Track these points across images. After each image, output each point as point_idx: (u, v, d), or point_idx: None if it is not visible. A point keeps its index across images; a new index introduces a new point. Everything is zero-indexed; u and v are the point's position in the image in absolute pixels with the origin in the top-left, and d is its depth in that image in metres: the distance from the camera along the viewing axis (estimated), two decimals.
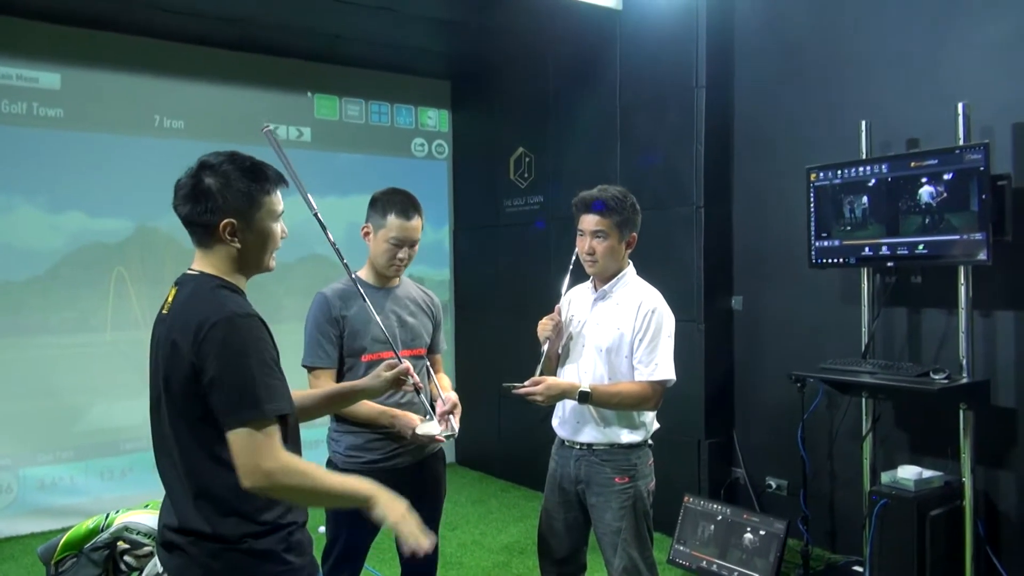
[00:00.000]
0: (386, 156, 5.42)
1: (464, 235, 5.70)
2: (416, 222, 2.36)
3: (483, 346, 5.48)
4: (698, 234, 3.94)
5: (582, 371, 2.41)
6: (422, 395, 2.24)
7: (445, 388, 2.44)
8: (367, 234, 2.38)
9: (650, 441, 2.45)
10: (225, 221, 1.55)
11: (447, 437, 2.29)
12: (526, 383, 2.32)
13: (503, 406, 5.30)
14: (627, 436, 2.37)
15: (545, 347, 2.43)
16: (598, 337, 2.40)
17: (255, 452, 1.44)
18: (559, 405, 2.49)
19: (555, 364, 2.55)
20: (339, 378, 2.35)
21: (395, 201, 2.35)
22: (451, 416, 2.33)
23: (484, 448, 5.46)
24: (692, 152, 3.95)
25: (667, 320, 2.37)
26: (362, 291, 2.17)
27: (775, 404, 3.85)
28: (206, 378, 1.46)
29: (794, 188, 3.68)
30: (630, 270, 2.46)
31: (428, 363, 2.48)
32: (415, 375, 2.12)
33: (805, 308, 3.76)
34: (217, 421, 1.48)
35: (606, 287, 2.43)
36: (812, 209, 3.44)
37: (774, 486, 3.88)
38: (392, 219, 2.33)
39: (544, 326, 2.45)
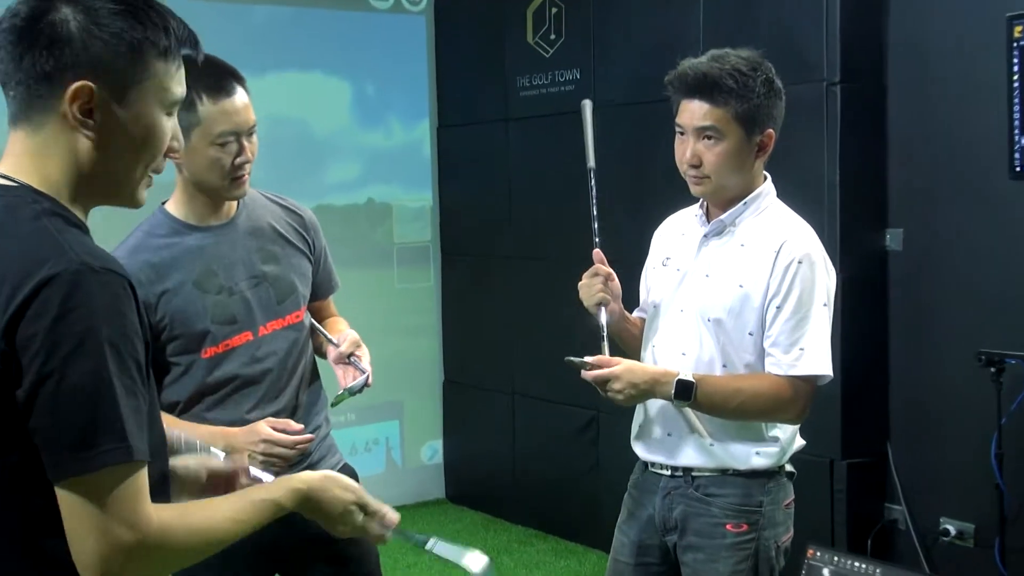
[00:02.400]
0: (328, 9, 5.38)
1: (454, 136, 5.68)
2: (243, 95, 2.31)
3: (486, 315, 5.50)
4: (831, 128, 3.90)
5: (675, 353, 2.40)
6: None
7: (341, 330, 2.48)
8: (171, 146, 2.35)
9: (788, 467, 2.45)
10: (79, 85, 1.38)
11: (357, 390, 2.33)
12: (592, 360, 2.32)
13: (520, 411, 5.33)
14: (749, 457, 2.37)
15: (603, 320, 2.42)
16: (706, 298, 2.37)
17: (106, 519, 1.30)
18: (639, 408, 2.49)
19: (631, 346, 2.56)
20: (158, 391, 2.35)
21: (198, 76, 2.23)
22: (355, 358, 2.37)
23: (491, 477, 5.51)
24: None
25: (822, 277, 2.33)
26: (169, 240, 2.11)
27: (955, 401, 3.85)
28: (25, 384, 1.29)
29: (986, 51, 3.61)
30: (766, 190, 2.43)
31: (314, 322, 2.50)
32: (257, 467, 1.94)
33: (1004, 246, 3.73)
34: (42, 467, 1.30)
35: (724, 216, 2.40)
36: (1016, 85, 3.39)
37: (953, 532, 3.90)
38: (207, 105, 2.25)
39: (590, 288, 2.44)
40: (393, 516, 1.67)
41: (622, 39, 4.69)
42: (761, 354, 2.34)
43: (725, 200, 2.39)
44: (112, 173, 1.44)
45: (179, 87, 1.47)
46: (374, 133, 5.58)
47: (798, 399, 2.31)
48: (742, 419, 2.34)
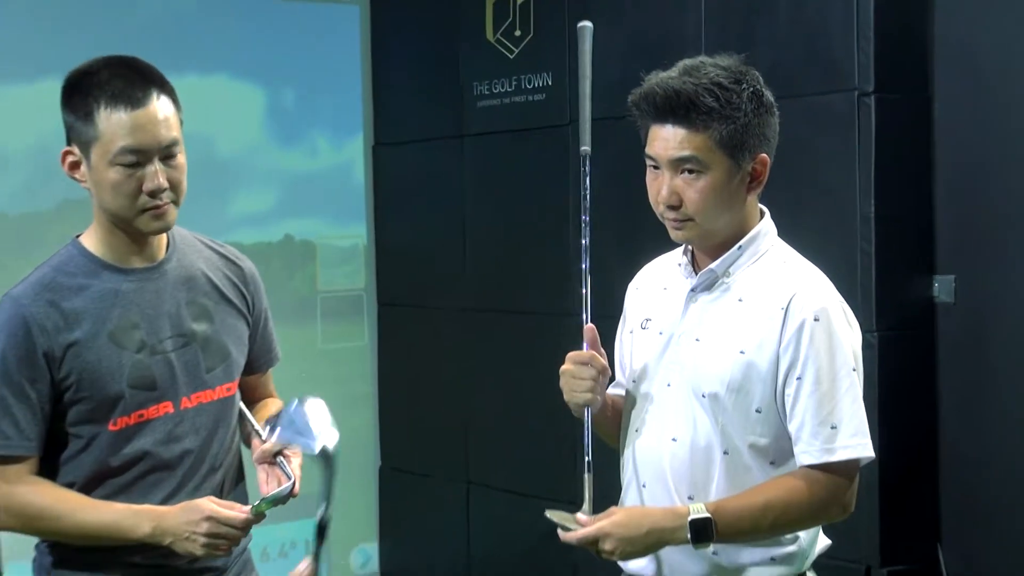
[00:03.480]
0: None
1: (395, 156, 5.69)
2: (160, 105, 2.34)
3: (435, 383, 5.50)
4: (865, 149, 3.92)
5: (663, 439, 2.41)
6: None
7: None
8: (76, 164, 2.36)
9: (809, 574, 2.46)
10: None
11: (279, 500, 2.35)
12: (580, 520, 2.32)
13: (478, 505, 5.31)
14: (762, 565, 2.38)
15: (587, 419, 2.42)
16: (699, 369, 2.38)
17: None
18: (621, 503, 2.51)
19: (610, 433, 2.58)
20: (50, 468, 2.37)
21: (104, 81, 2.32)
22: (282, 459, 2.40)
23: None
24: None
25: (846, 335, 2.35)
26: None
27: (1023, 491, 3.89)
28: None
29: None
30: (764, 229, 2.45)
31: (242, 405, 2.55)
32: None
33: None
34: None
35: (715, 264, 2.41)
36: None
37: None
38: (104, 115, 2.29)
39: (578, 383, 2.42)
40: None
41: (605, 37, 4.63)
42: (775, 434, 2.35)
43: (715, 245, 2.41)
44: None
45: None
46: (293, 153, 5.58)
47: (839, 492, 2.32)
48: (777, 534, 2.35)
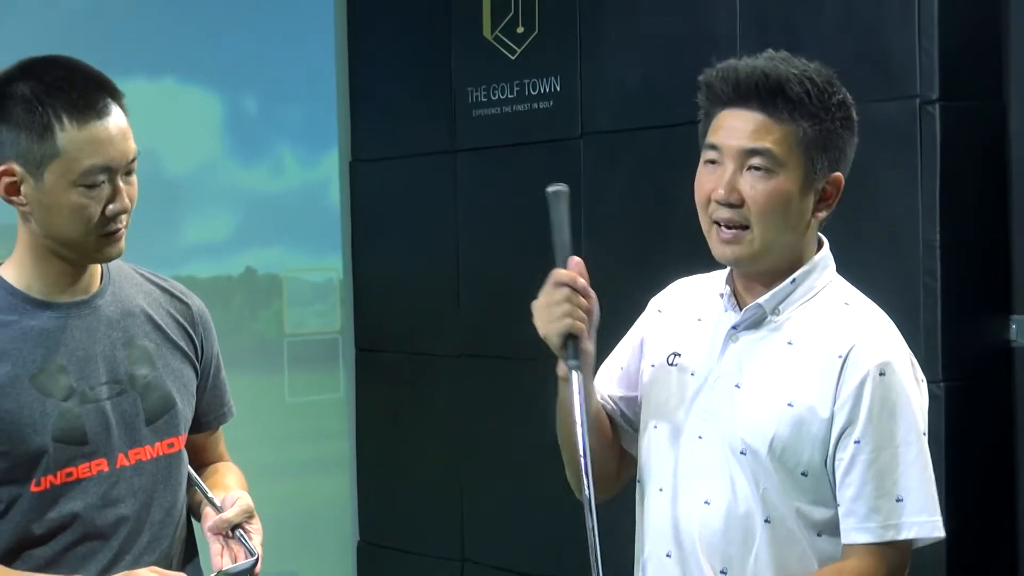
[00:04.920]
0: None
1: (376, 174, 5.71)
2: (120, 117, 2.37)
3: (421, 442, 5.51)
4: (929, 165, 3.92)
5: (695, 501, 2.41)
6: None
7: (228, 487, 2.54)
8: (14, 186, 2.35)
9: None
10: None
11: (240, 572, 2.38)
12: None
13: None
14: None
15: (574, 383, 2.32)
16: (738, 420, 2.37)
17: None
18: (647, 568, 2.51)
19: (601, 434, 2.54)
20: None
21: (56, 88, 2.33)
22: (242, 532, 2.43)
23: None
24: None
25: (914, 393, 2.34)
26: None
27: None
28: None
29: None
30: (823, 262, 2.44)
31: (191, 469, 2.56)
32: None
33: None
34: None
35: (764, 299, 2.39)
36: None
37: None
38: (70, 130, 2.30)
39: (555, 306, 2.37)
40: None
41: (622, 34, 4.69)
42: (823, 502, 2.34)
43: (763, 275, 2.39)
44: None
45: None
46: (256, 170, 5.59)
47: (898, 574, 2.33)
48: None
